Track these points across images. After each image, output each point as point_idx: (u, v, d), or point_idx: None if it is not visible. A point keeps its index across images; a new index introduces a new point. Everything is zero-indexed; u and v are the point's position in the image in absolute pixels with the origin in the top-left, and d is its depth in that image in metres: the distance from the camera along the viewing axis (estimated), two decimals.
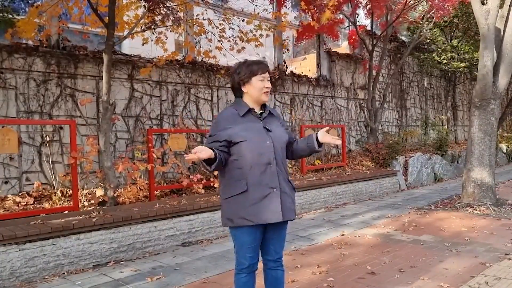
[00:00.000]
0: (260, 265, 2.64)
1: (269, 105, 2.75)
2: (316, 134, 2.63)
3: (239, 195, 2.47)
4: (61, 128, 5.85)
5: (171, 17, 5.49)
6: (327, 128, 2.64)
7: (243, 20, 7.21)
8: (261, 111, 2.64)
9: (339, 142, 2.59)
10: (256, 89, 2.56)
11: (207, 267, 4.19)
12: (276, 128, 2.60)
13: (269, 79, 2.62)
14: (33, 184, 5.49)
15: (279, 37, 7.97)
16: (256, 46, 6.96)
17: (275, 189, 2.48)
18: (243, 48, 6.98)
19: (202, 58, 7.19)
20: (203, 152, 2.30)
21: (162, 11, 5.51)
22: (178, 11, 5.94)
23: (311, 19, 7.53)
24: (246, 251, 2.52)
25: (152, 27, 5.72)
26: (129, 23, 6.08)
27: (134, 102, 6.62)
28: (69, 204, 5.12)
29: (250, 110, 2.57)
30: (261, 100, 2.60)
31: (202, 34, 6.77)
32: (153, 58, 6.61)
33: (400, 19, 10.47)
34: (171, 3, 5.78)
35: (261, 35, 7.00)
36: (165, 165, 6.44)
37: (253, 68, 2.58)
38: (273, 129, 2.58)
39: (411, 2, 10.31)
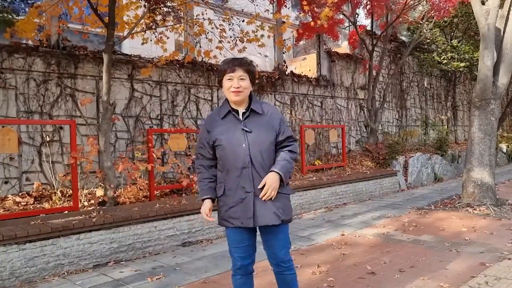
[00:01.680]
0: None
1: (259, 102, 2.58)
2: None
3: (221, 197, 2.52)
4: (61, 128, 5.85)
5: (172, 16, 5.48)
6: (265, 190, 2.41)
7: (243, 21, 7.21)
8: (244, 111, 2.51)
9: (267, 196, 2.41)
10: (225, 89, 2.48)
11: (207, 267, 4.18)
12: (258, 129, 2.46)
13: (243, 77, 2.44)
14: (33, 184, 5.50)
15: (281, 39, 7.97)
16: (259, 46, 6.96)
17: (250, 193, 2.43)
18: (244, 48, 6.99)
19: (202, 58, 7.19)
20: (207, 214, 2.54)
21: (162, 11, 5.51)
22: (179, 9, 5.93)
23: (311, 19, 7.53)
24: (235, 250, 2.54)
25: (153, 27, 5.72)
26: (129, 23, 6.08)
27: (134, 102, 6.62)
28: (69, 204, 5.12)
29: (231, 111, 2.50)
30: (231, 100, 2.49)
31: (202, 34, 6.77)
32: (153, 58, 6.62)
33: (400, 19, 10.48)
34: (172, 3, 5.77)
35: (262, 36, 7.00)
36: (165, 165, 6.44)
37: (223, 67, 2.49)
38: (254, 130, 2.45)
39: (411, 2, 10.31)
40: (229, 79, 2.45)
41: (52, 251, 4.10)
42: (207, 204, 2.54)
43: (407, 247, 4.69)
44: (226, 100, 2.55)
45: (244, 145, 2.42)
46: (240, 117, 2.49)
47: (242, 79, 2.45)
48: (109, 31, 5.34)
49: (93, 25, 6.18)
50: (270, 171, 2.44)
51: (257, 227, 2.51)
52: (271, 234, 2.51)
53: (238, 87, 2.43)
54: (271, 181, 2.40)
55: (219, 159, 2.52)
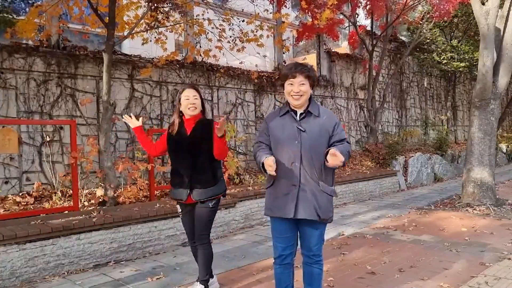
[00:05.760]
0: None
1: (318, 105, 2.73)
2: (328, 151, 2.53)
3: (270, 187, 2.73)
4: (61, 128, 5.85)
5: (176, 12, 5.48)
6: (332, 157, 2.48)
7: (243, 21, 7.21)
8: (302, 112, 2.68)
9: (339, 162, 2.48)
10: (286, 93, 2.68)
11: None
12: (312, 129, 2.62)
13: (303, 83, 2.61)
14: (33, 184, 5.50)
15: (280, 39, 7.96)
16: (258, 46, 6.96)
17: (296, 187, 2.60)
18: (243, 47, 6.98)
19: (202, 58, 7.19)
20: (272, 165, 2.51)
21: (165, 8, 5.51)
22: (181, 6, 5.90)
23: (311, 19, 7.53)
24: (276, 240, 2.76)
25: (155, 26, 5.71)
26: (129, 23, 6.08)
27: (134, 102, 6.62)
28: (69, 204, 5.12)
29: (289, 111, 2.69)
30: (291, 104, 2.66)
31: (202, 34, 6.77)
32: (153, 58, 6.62)
33: (400, 19, 10.48)
34: (174, 0, 5.77)
35: (261, 36, 7.00)
36: (165, 165, 6.44)
37: (285, 72, 2.67)
38: (308, 129, 2.62)
39: (411, 2, 10.32)
40: (290, 84, 2.64)
41: (52, 251, 4.11)
42: (270, 159, 2.53)
43: (407, 247, 4.69)
44: (287, 102, 2.73)
45: (296, 141, 2.60)
46: (298, 117, 2.67)
47: (302, 84, 2.62)
48: (109, 31, 5.34)
49: (93, 25, 6.18)
50: (331, 148, 2.51)
51: (298, 221, 2.68)
52: (309, 229, 2.69)
53: (298, 92, 2.61)
54: (338, 154, 2.44)
55: (273, 152, 2.68)
